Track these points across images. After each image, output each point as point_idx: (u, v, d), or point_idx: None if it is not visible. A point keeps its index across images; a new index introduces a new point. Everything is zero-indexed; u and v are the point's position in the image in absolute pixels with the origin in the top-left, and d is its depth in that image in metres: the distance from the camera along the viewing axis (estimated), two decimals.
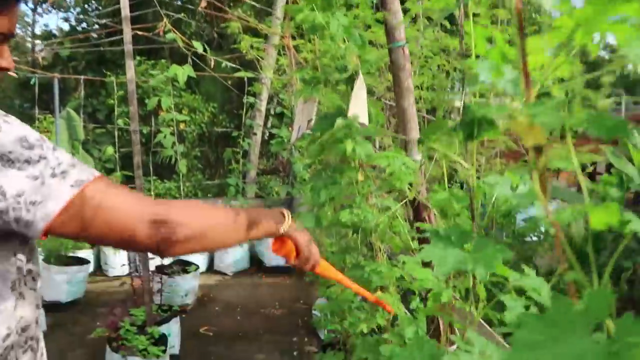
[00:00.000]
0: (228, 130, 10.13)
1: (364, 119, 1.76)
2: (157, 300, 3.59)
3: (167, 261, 4.36)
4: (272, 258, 5.26)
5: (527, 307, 0.92)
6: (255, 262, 5.44)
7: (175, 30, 4.11)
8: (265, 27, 3.91)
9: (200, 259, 5.12)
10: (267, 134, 8.31)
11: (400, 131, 1.33)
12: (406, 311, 1.80)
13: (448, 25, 4.92)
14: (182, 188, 6.12)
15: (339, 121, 1.58)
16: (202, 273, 4.97)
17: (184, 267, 4.33)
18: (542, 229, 4.98)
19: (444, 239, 0.87)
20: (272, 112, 8.57)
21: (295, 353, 3.39)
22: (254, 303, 4.40)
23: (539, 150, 0.41)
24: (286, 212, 0.99)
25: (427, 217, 1.33)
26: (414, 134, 1.31)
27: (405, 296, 2.09)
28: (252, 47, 5.01)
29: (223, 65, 4.78)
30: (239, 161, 5.24)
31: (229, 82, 7.65)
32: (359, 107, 1.72)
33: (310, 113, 2.28)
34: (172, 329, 3.27)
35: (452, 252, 0.83)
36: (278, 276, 5.15)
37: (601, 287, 0.48)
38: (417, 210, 1.35)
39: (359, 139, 1.58)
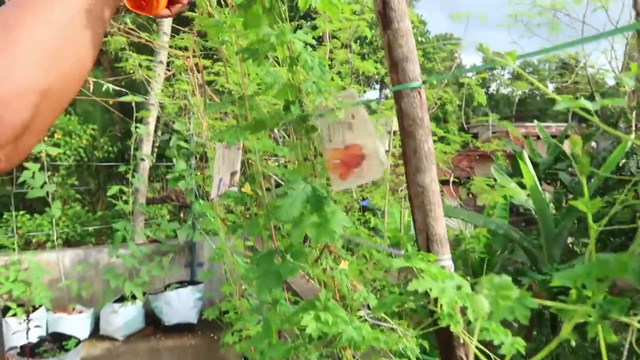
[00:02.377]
0: (111, 157, 9.09)
1: (337, 184, 1.25)
2: None
3: (33, 337, 3.45)
4: (171, 314, 4.49)
5: None
6: (152, 321, 4.61)
7: None
8: (158, 44, 3.26)
9: (81, 324, 4.21)
10: (155, 156, 7.45)
11: (417, 224, 0.85)
12: None
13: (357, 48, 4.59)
14: (54, 225, 5.10)
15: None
16: (84, 340, 4.07)
17: (60, 342, 3.44)
18: None
19: None
20: (159, 133, 7.74)
21: None
22: None
23: None
24: None
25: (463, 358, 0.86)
26: (441, 228, 0.83)
27: None
28: (140, 65, 4.32)
29: (104, 88, 4.01)
30: (128, 201, 4.43)
31: (111, 103, 6.77)
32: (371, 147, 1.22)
33: (235, 163, 1.73)
34: None
35: None
36: (181, 336, 4.39)
37: None
38: (447, 347, 0.87)
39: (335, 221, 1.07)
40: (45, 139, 6.75)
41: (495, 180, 7.21)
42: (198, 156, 4.72)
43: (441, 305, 0.80)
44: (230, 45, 1.52)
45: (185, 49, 2.59)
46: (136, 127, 4.37)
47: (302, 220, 1.10)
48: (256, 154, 1.63)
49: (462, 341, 0.84)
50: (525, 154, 7.46)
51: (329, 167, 1.24)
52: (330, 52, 4.39)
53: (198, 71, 2.45)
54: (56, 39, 0.41)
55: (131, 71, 4.54)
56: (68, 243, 8.06)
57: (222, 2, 1.74)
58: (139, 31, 2.95)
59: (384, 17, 0.80)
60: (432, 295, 0.66)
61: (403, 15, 0.79)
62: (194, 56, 2.39)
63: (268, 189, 1.63)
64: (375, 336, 1.05)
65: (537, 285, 5.51)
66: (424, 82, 0.83)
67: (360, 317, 1.09)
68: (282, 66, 1.38)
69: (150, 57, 4.74)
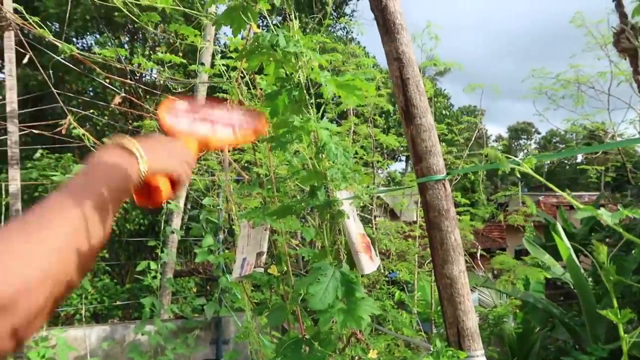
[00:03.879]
0: (142, 230, 9.26)
1: (369, 266, 1.26)
2: None
3: None
4: None
5: None
6: None
7: (81, 128, 3.50)
8: None
9: None
10: (184, 230, 7.58)
11: (447, 317, 0.83)
12: None
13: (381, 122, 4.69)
14: (84, 299, 5.12)
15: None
16: None
17: None
18: None
19: None
20: (189, 206, 7.89)
21: None
22: None
23: None
24: (129, 142, 0.64)
25: None
26: (472, 321, 0.81)
27: None
28: None
29: None
30: (156, 276, 4.46)
31: None
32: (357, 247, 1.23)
33: (261, 243, 1.74)
34: None
35: None
36: None
37: None
38: None
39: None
40: None
41: (527, 252, 6.98)
42: (226, 231, 4.77)
43: None
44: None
45: None
46: (167, 202, 4.47)
47: (330, 306, 1.09)
48: (282, 236, 1.64)
49: None
50: (559, 225, 7.23)
51: (359, 249, 1.24)
52: (355, 125, 4.50)
53: (222, 151, 2.53)
54: (68, 246, 0.49)
55: None
56: (95, 317, 8.06)
57: (251, 87, 1.84)
58: None
59: (407, 114, 0.83)
60: None
61: (425, 111, 0.81)
62: None
63: (295, 274, 1.62)
64: None
65: None
66: (448, 174, 0.84)
67: None
68: (307, 149, 1.42)
69: None
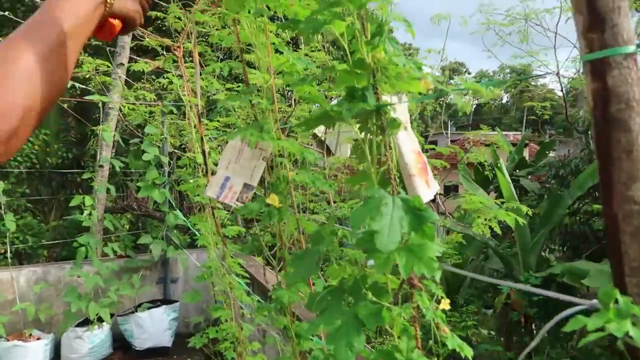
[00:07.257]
0: (66, 164, 8.50)
1: (426, 193, 0.98)
2: None
3: None
4: (143, 337, 4.05)
5: None
6: (120, 345, 4.15)
7: None
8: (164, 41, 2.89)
9: (39, 352, 3.72)
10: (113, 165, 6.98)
11: (629, 260, 0.57)
12: None
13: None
14: (8, 239, 4.54)
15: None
16: None
17: None
18: None
19: None
20: (119, 138, 7.22)
21: None
22: None
23: None
24: None
25: None
26: None
27: None
28: (97, 70, 3.95)
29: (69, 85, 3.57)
30: (92, 213, 3.97)
31: (66, 105, 6.23)
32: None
33: (254, 173, 1.41)
34: None
35: None
36: None
37: None
38: None
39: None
40: None
41: (455, 188, 7.16)
42: (171, 164, 4.32)
43: None
44: (258, 18, 1.21)
45: (171, 35, 2.25)
46: (103, 130, 3.93)
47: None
48: (287, 157, 1.31)
49: None
50: (502, 162, 7.40)
51: (414, 172, 0.95)
52: (307, 55, 4.10)
53: (182, 62, 2.08)
54: (42, 71, 0.56)
55: (87, 76, 4.12)
56: (18, 257, 7.38)
57: None
58: None
59: None
60: None
61: None
62: (188, 42, 2.05)
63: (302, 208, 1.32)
64: None
65: (515, 294, 5.43)
66: (639, 46, 0.56)
67: None
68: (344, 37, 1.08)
69: (106, 62, 4.32)
